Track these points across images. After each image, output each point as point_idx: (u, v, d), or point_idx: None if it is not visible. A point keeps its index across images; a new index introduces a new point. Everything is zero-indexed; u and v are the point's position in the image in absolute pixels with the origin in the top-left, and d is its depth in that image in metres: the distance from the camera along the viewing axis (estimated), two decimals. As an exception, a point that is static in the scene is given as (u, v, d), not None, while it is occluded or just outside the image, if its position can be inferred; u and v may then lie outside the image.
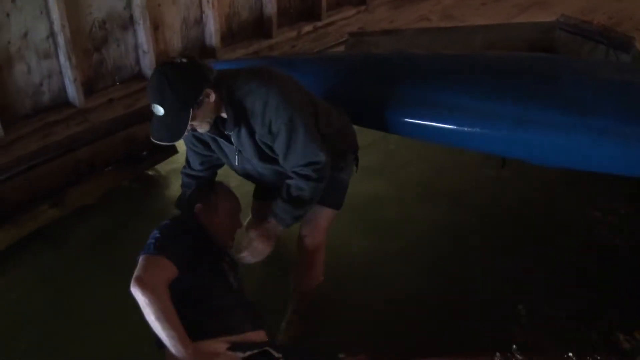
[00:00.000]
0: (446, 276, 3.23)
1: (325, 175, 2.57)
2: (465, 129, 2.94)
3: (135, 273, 2.15)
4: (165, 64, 2.38)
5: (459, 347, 2.73)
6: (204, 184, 2.81)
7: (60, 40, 3.53)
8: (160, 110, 2.31)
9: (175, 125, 2.34)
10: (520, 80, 3.12)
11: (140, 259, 2.23)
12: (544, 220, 3.63)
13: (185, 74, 2.32)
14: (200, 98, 2.33)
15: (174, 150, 4.14)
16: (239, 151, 2.61)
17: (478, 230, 3.55)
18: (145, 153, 4.07)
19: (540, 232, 3.53)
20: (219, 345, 2.13)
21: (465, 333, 2.86)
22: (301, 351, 2.38)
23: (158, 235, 2.33)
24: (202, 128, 2.45)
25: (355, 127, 3.01)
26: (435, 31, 4.96)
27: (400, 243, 3.47)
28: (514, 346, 2.63)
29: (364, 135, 3.04)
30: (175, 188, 3.56)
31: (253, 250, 2.60)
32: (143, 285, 2.09)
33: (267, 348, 2.23)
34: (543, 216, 3.67)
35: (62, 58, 3.61)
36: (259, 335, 2.35)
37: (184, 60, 2.36)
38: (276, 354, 2.20)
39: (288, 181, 2.57)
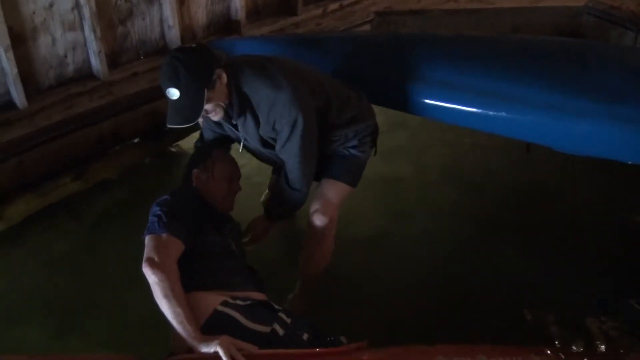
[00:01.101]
0: (463, 262, 3.16)
1: (308, 183, 2.69)
2: (490, 112, 2.90)
3: (145, 254, 2.18)
4: (176, 50, 2.46)
5: (468, 337, 2.61)
6: (203, 151, 2.81)
7: (86, 12, 3.47)
8: (175, 94, 2.33)
9: (190, 107, 2.35)
10: (547, 64, 3.06)
11: (147, 239, 2.25)
12: (567, 208, 3.53)
13: (197, 55, 2.38)
14: (214, 78, 2.37)
15: (197, 125, 4.09)
16: (245, 138, 2.65)
17: (498, 216, 3.47)
18: (167, 128, 4.01)
19: (563, 219, 3.44)
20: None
21: (478, 323, 2.78)
22: (306, 322, 2.33)
23: (159, 212, 2.32)
24: (217, 114, 2.49)
25: (377, 107, 2.95)
26: (462, 12, 4.85)
27: (417, 226, 3.42)
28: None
29: (386, 117, 2.98)
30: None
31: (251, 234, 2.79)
32: (154, 265, 2.12)
33: (275, 306, 2.30)
34: (566, 203, 3.57)
35: (87, 30, 3.55)
36: (260, 296, 2.37)
37: (194, 45, 2.49)
38: (286, 318, 2.24)
39: (280, 182, 2.69)
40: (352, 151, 2.80)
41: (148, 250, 2.20)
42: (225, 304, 2.20)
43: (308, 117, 2.48)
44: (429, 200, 3.63)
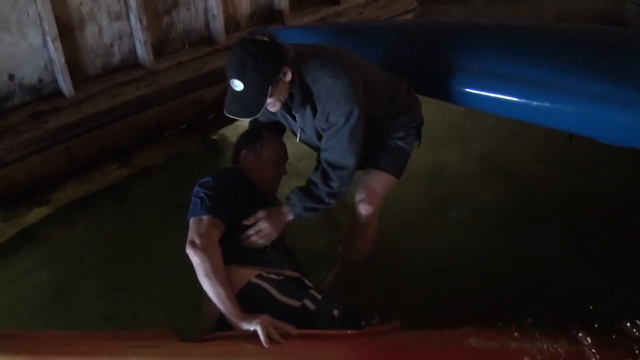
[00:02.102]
0: (502, 251, 3.07)
1: (345, 185, 2.52)
2: (534, 102, 2.79)
3: (189, 236, 2.22)
4: (247, 41, 2.33)
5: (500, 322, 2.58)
6: (253, 132, 2.78)
7: (132, 2, 3.50)
8: (239, 86, 2.26)
9: (253, 101, 2.29)
10: (590, 53, 2.94)
11: (192, 221, 2.28)
12: (609, 201, 3.40)
13: (267, 51, 2.28)
14: (280, 76, 2.30)
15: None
16: (302, 129, 2.59)
17: (537, 207, 3.37)
18: (211, 116, 4.04)
19: (605, 212, 3.31)
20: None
21: (512, 310, 2.64)
22: (337, 299, 2.33)
23: (203, 195, 2.34)
24: (275, 107, 2.42)
25: (420, 97, 2.88)
26: (505, 1, 4.74)
27: (458, 214, 3.33)
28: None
29: (429, 108, 2.91)
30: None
31: (258, 230, 2.46)
32: (196, 247, 2.17)
33: (304, 280, 2.32)
34: (608, 196, 3.44)
35: (133, 20, 3.57)
36: (294, 274, 2.38)
37: (265, 38, 2.32)
38: (317, 295, 2.24)
39: (311, 174, 2.55)
40: (399, 142, 2.75)
41: (191, 233, 2.24)
42: (259, 276, 2.23)
43: (361, 111, 2.42)
44: (468, 190, 3.54)
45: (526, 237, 3.17)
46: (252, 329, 1.99)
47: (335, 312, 2.22)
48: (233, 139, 3.96)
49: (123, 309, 2.84)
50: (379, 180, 2.73)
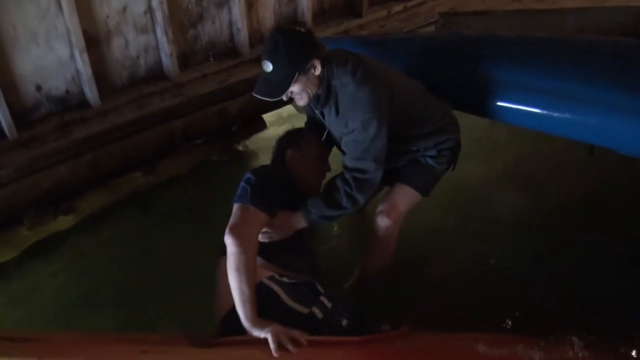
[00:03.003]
0: (520, 265, 3.04)
1: (364, 191, 2.44)
2: (555, 114, 2.76)
3: (232, 221, 2.20)
4: (285, 28, 2.50)
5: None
6: (295, 133, 2.81)
7: (158, 15, 3.51)
8: (269, 67, 2.33)
9: (278, 83, 2.35)
10: (613, 66, 2.89)
11: (237, 207, 2.27)
12: (632, 214, 3.33)
13: (300, 39, 2.36)
14: (308, 66, 2.35)
15: (263, 126, 4.09)
16: (328, 128, 2.62)
17: (558, 219, 3.32)
18: (235, 127, 4.04)
19: (628, 225, 3.25)
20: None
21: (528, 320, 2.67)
22: (348, 307, 2.30)
23: (253, 183, 2.33)
24: (302, 99, 2.46)
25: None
26: (527, 13, 4.68)
27: (477, 226, 3.31)
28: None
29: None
30: (263, 162, 3.49)
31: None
32: (238, 234, 2.13)
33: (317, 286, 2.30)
34: (630, 209, 3.37)
35: (159, 33, 3.58)
36: (308, 279, 2.35)
37: (302, 29, 2.42)
38: (327, 303, 2.22)
39: (332, 178, 2.52)
40: (429, 160, 2.71)
41: (234, 219, 2.22)
42: (271, 278, 2.23)
43: (381, 122, 2.39)
44: (489, 202, 3.51)
45: (546, 248, 3.12)
46: (262, 336, 1.97)
47: (344, 322, 2.19)
48: (256, 149, 3.99)
49: (143, 316, 2.86)
50: (402, 195, 2.72)
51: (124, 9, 3.41)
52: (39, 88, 3.26)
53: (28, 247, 3.23)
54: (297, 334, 1.97)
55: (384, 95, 2.43)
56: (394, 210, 2.70)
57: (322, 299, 2.22)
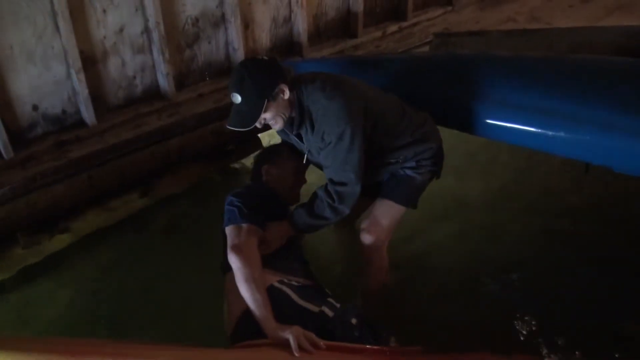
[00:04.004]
0: (512, 284, 3.02)
1: (346, 202, 2.50)
2: (549, 132, 2.78)
3: (230, 242, 2.31)
4: (247, 59, 2.54)
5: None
6: (270, 149, 2.92)
7: (155, 36, 3.50)
8: (238, 98, 2.39)
9: (249, 113, 2.40)
10: (606, 84, 2.91)
11: (231, 229, 2.36)
12: (627, 231, 3.32)
13: (264, 68, 2.42)
14: (275, 91, 2.40)
15: (258, 145, 4.07)
16: (309, 150, 2.64)
17: (554, 237, 3.31)
18: (232, 146, 4.03)
19: (622, 240, 3.25)
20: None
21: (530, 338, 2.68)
22: (355, 308, 2.35)
23: (238, 204, 2.44)
24: (277, 123, 2.51)
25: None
26: (521, 33, 4.69)
27: (474, 244, 3.30)
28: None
29: (445, 138, 2.87)
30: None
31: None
32: (239, 251, 2.24)
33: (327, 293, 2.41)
34: (626, 226, 3.36)
35: (156, 53, 3.57)
36: (312, 283, 2.47)
37: (265, 57, 2.50)
38: (335, 303, 2.29)
39: (316, 189, 2.58)
40: (408, 172, 2.71)
41: (233, 238, 2.31)
42: (281, 282, 2.31)
43: (355, 132, 2.42)
44: (485, 218, 3.50)
45: (543, 265, 3.12)
46: (285, 337, 2.02)
47: (354, 321, 2.24)
48: (251, 167, 3.97)
49: (142, 335, 2.83)
50: (382, 209, 2.73)
51: (121, 30, 3.41)
52: (35, 107, 3.24)
53: (24, 267, 3.19)
54: (315, 337, 2.04)
55: (356, 105, 2.47)
56: (375, 226, 2.71)
57: (330, 299, 2.30)
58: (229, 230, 2.37)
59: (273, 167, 2.77)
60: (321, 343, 2.04)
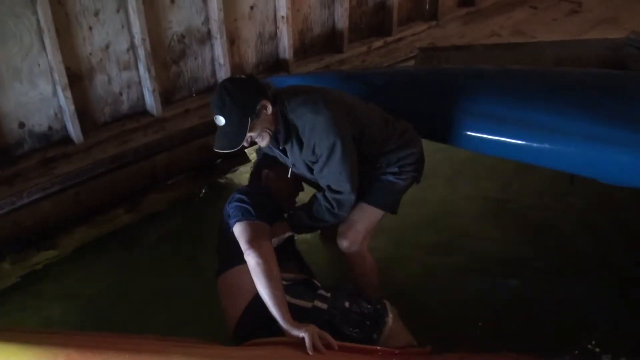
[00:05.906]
0: (502, 297, 3.06)
1: (345, 208, 2.60)
2: (534, 144, 2.83)
3: (246, 237, 2.32)
4: (225, 80, 2.53)
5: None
6: (269, 156, 2.90)
7: (141, 53, 3.53)
8: (221, 121, 2.40)
9: (235, 133, 2.41)
10: (590, 96, 2.98)
11: (243, 225, 2.39)
12: (610, 240, 3.38)
13: (243, 86, 2.44)
14: (258, 108, 2.42)
15: (245, 159, 4.09)
16: (293, 164, 2.67)
17: (543, 246, 3.36)
18: (219, 161, 4.06)
19: (607, 251, 3.30)
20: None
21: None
22: (345, 290, 2.48)
23: (249, 201, 2.49)
24: (263, 139, 2.53)
25: (423, 140, 2.89)
26: (506, 47, 4.76)
27: (462, 255, 3.33)
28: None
29: (432, 150, 2.92)
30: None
31: None
32: (257, 247, 2.27)
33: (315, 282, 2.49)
34: (609, 236, 3.41)
35: (142, 69, 3.60)
36: (302, 277, 2.51)
37: (243, 76, 2.53)
38: (325, 293, 2.39)
39: (316, 193, 2.66)
40: (390, 177, 2.75)
41: (247, 235, 2.33)
42: None
43: (345, 142, 2.47)
44: (472, 229, 3.53)
45: (525, 283, 3.14)
46: (300, 335, 2.06)
47: (347, 304, 2.36)
48: (238, 183, 3.99)
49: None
50: (359, 213, 2.76)
51: (107, 46, 3.44)
52: (21, 125, 3.26)
53: (11, 284, 3.19)
54: (329, 337, 2.10)
55: (341, 114, 2.51)
56: (350, 229, 2.75)
57: (321, 291, 2.37)
58: (242, 225, 2.39)
59: (273, 172, 2.83)
60: (335, 344, 2.08)
